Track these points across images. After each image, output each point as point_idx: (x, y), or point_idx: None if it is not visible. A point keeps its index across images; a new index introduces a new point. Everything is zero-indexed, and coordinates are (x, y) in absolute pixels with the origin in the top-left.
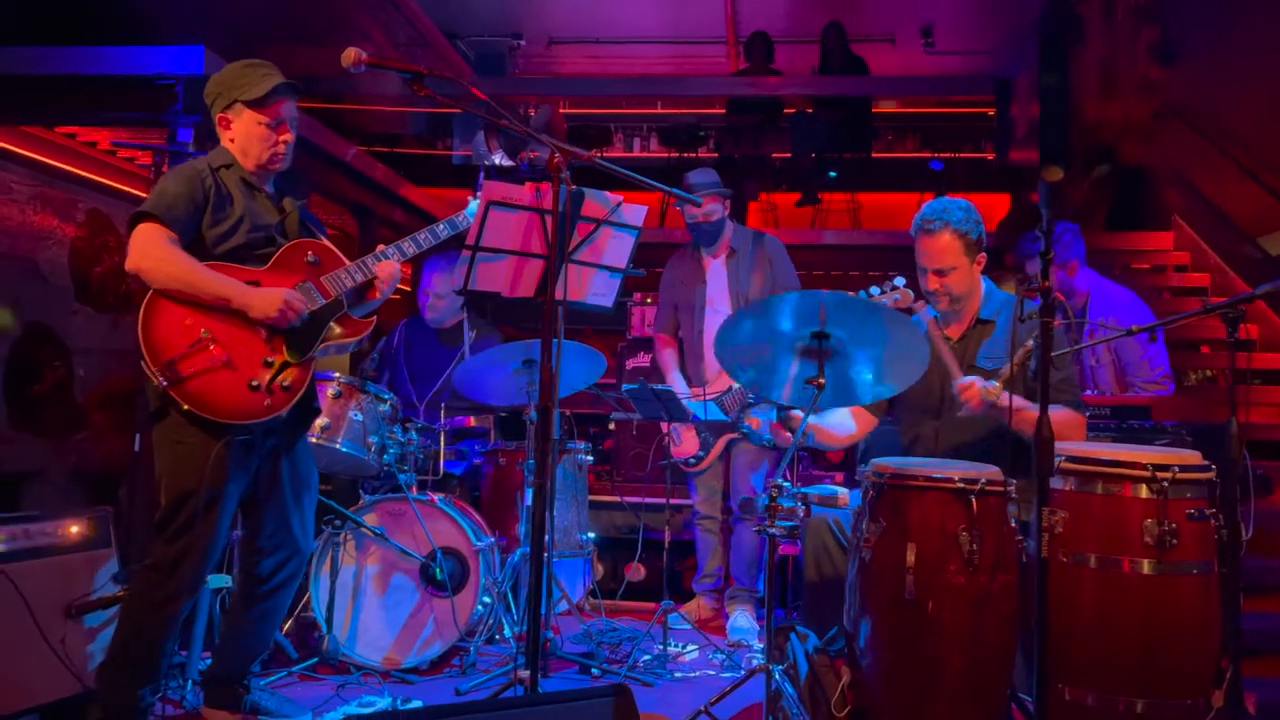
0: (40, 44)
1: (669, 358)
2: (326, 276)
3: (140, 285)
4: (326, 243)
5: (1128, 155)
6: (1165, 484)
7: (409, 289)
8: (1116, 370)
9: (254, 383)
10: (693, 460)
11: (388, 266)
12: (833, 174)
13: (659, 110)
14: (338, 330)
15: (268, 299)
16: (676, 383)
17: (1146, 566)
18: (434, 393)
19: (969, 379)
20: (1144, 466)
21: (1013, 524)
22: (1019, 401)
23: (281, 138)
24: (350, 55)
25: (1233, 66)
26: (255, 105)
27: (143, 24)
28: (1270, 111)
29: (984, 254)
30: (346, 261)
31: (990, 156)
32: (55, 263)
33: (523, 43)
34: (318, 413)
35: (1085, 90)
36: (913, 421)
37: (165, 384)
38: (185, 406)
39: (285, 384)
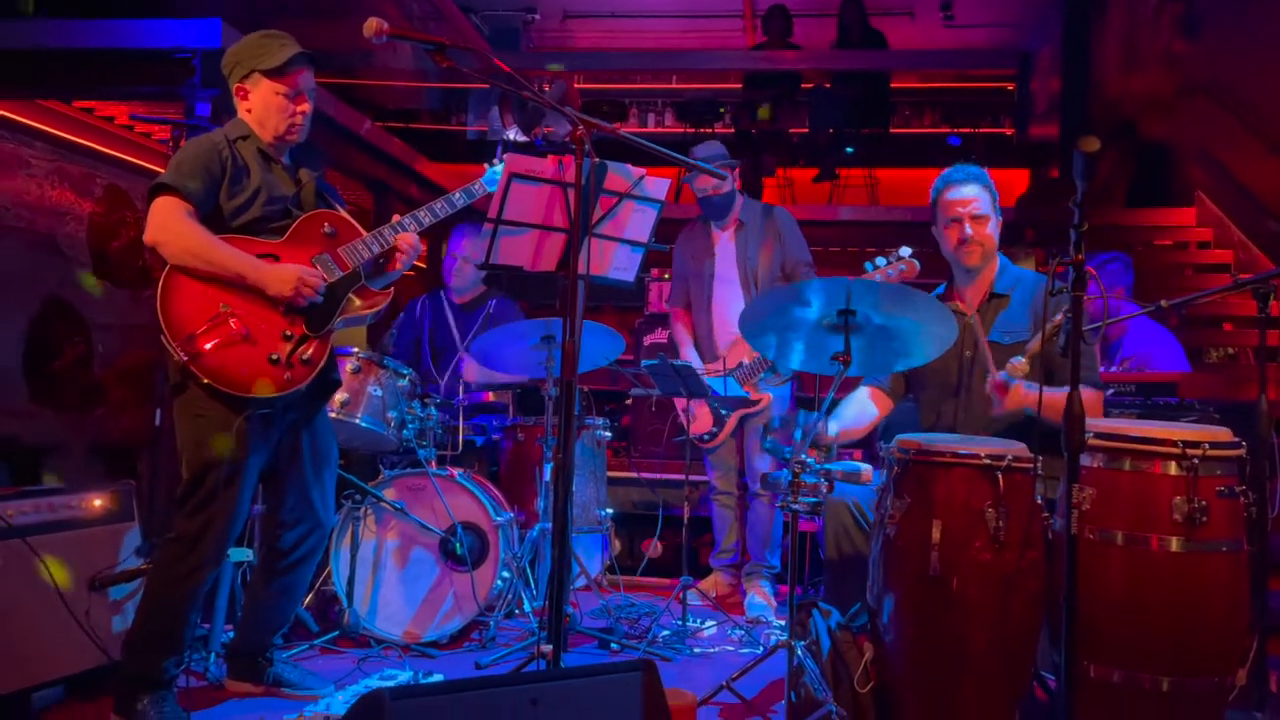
0: (55, 17)
1: (684, 333)
2: (344, 248)
3: (157, 260)
4: (343, 214)
5: (1150, 130)
6: (1195, 461)
7: (424, 265)
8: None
9: (273, 356)
10: (707, 436)
11: (407, 237)
12: (850, 149)
13: (674, 85)
14: (356, 302)
15: (282, 276)
16: (692, 358)
17: (1175, 544)
18: (453, 366)
19: (1002, 376)
20: (1174, 443)
21: (1039, 501)
22: (1036, 388)
23: (299, 108)
24: (372, 25)
25: (1258, 39)
26: (273, 75)
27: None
28: None
29: (1000, 220)
30: (364, 233)
31: (1009, 132)
32: (73, 238)
33: (537, 16)
34: (338, 385)
35: (1107, 64)
36: (933, 402)
37: (185, 359)
38: (205, 380)
39: (305, 357)
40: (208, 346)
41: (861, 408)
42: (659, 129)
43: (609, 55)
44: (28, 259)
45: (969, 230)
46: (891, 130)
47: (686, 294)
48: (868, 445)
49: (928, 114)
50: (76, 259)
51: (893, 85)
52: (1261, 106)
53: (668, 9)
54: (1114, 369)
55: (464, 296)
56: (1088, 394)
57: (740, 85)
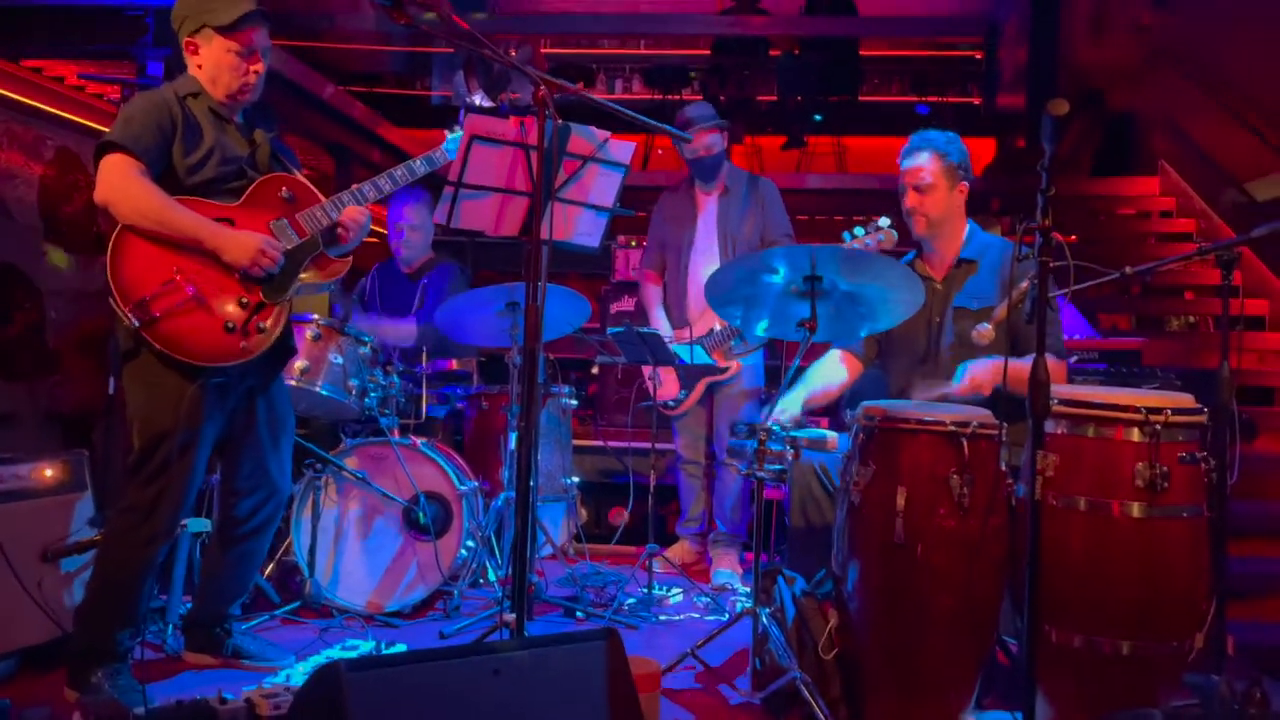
0: None
1: (653, 295)
2: (302, 214)
3: (111, 223)
4: (301, 178)
5: (1116, 100)
6: (1158, 427)
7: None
8: None
9: (229, 324)
10: (672, 403)
11: (352, 211)
12: (818, 117)
13: (642, 51)
14: (313, 270)
15: (242, 244)
16: (660, 322)
17: (1136, 510)
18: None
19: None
20: (1137, 409)
21: (1003, 468)
22: (999, 360)
23: (253, 67)
24: None
25: (1224, 9)
26: (225, 32)
27: None
28: (1262, 55)
29: (965, 185)
30: (322, 198)
31: (977, 101)
32: (23, 201)
33: None
34: (294, 353)
35: (1075, 34)
36: (901, 369)
37: (137, 324)
38: (158, 348)
39: (261, 326)
40: (160, 312)
41: (830, 372)
42: (626, 95)
43: (574, 18)
44: None
45: (911, 202)
46: (860, 99)
47: (660, 258)
48: (833, 413)
49: (896, 82)
50: (26, 223)
51: (862, 54)
52: (1226, 75)
53: None
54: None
55: (412, 266)
56: (1052, 363)
57: (709, 52)
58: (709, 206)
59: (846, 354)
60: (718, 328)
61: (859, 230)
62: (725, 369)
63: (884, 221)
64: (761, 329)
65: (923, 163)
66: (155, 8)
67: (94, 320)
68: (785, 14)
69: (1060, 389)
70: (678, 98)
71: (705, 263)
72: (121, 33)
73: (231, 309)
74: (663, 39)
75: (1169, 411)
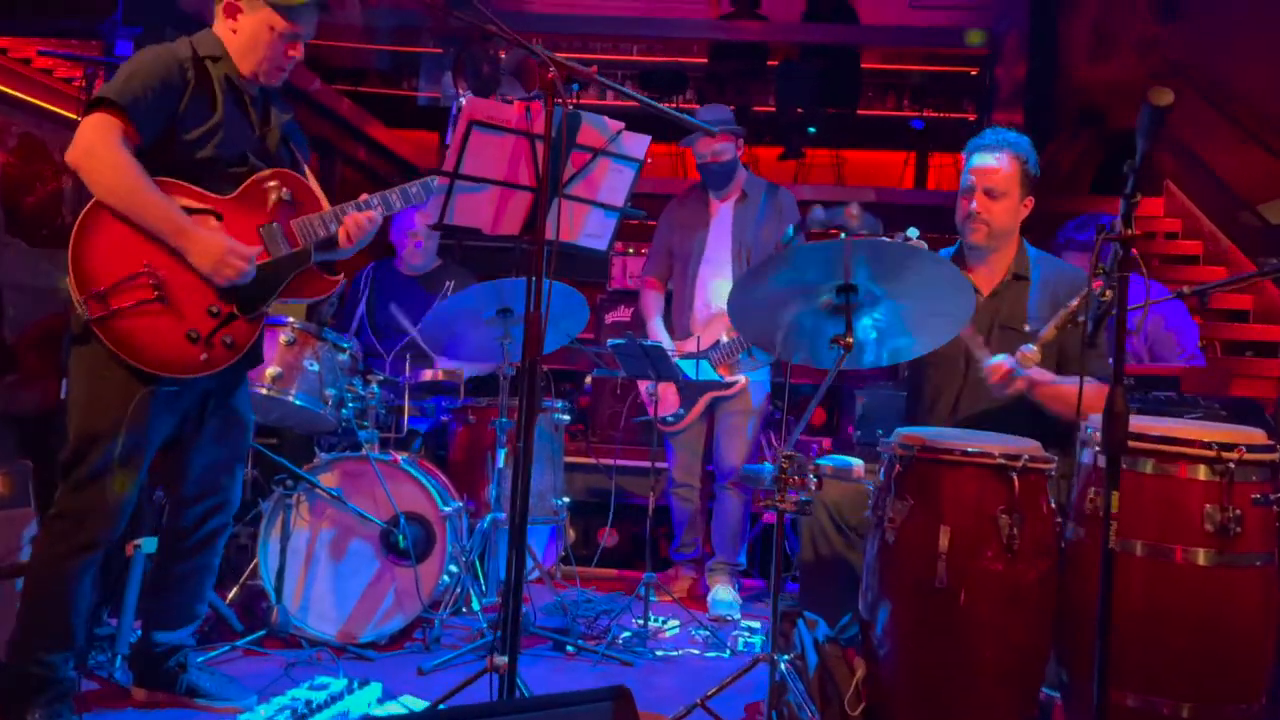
0: None
1: (653, 303)
2: (298, 221)
3: (77, 212)
4: (308, 180)
5: (1119, 118)
6: (1231, 465)
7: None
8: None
9: (193, 332)
10: (670, 419)
11: (356, 217)
12: (812, 129)
13: (636, 57)
14: (299, 286)
15: (206, 247)
16: (658, 332)
17: (1203, 557)
18: (403, 346)
19: (999, 358)
20: (1206, 445)
21: (1053, 505)
22: (1044, 374)
23: (291, 52)
24: None
25: (1231, 23)
26: (281, 11)
27: None
28: (1272, 71)
29: (1032, 199)
30: (325, 205)
31: (972, 118)
32: None
33: None
34: (259, 361)
35: (1076, 50)
36: (934, 391)
37: (90, 318)
38: (109, 346)
39: (227, 340)
40: (119, 307)
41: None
42: (620, 102)
43: (565, 19)
44: None
45: (974, 205)
46: (859, 111)
47: (665, 266)
48: (837, 432)
49: (891, 96)
50: None
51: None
52: (1238, 93)
53: None
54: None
55: (421, 272)
56: (1096, 387)
57: (705, 60)
58: (723, 214)
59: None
60: (725, 339)
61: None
62: (731, 384)
63: (912, 232)
64: (797, 358)
65: (1000, 164)
66: None
67: (56, 317)
68: (784, 20)
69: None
70: (674, 105)
71: (714, 273)
72: (89, 10)
73: (199, 316)
74: (656, 45)
75: (1243, 448)
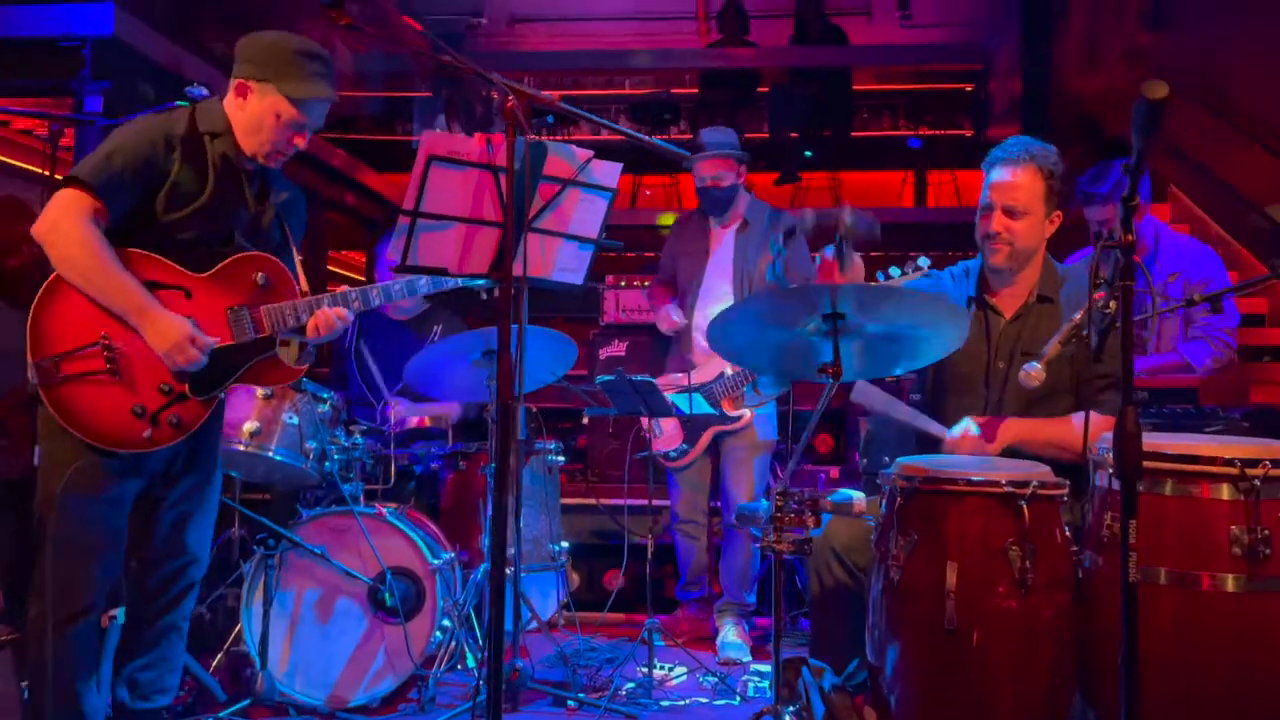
0: None
1: (662, 295)
2: (269, 307)
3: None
4: (286, 267)
5: (1115, 128)
6: (1256, 482)
7: (364, 279)
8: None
9: (138, 408)
10: (674, 454)
11: (325, 314)
12: (808, 154)
13: (627, 91)
14: (260, 372)
15: (164, 331)
16: (672, 314)
17: (1231, 583)
18: (397, 391)
19: (956, 429)
20: (1229, 461)
21: (1067, 534)
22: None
23: (296, 140)
24: None
25: (1233, 27)
26: (292, 102)
27: None
28: (1265, 73)
29: (1060, 214)
30: (300, 294)
31: (969, 133)
32: None
33: (483, 21)
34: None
35: (1069, 62)
36: (955, 406)
37: (37, 382)
38: (50, 411)
39: (174, 419)
40: (67, 375)
41: None
42: (612, 136)
43: (558, 55)
44: None
45: (993, 226)
46: (853, 133)
47: (673, 274)
48: (845, 461)
49: (887, 116)
50: None
51: (853, 89)
52: (1240, 97)
53: (618, 11)
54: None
55: (409, 315)
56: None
57: (696, 90)
58: (724, 242)
59: None
60: (729, 372)
61: (894, 271)
62: (736, 418)
63: (923, 261)
64: (772, 370)
65: (1022, 179)
66: (93, 38)
67: None
68: (773, 45)
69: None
70: (666, 136)
71: (714, 303)
72: (58, 66)
73: (150, 393)
74: (647, 78)
75: (1268, 463)
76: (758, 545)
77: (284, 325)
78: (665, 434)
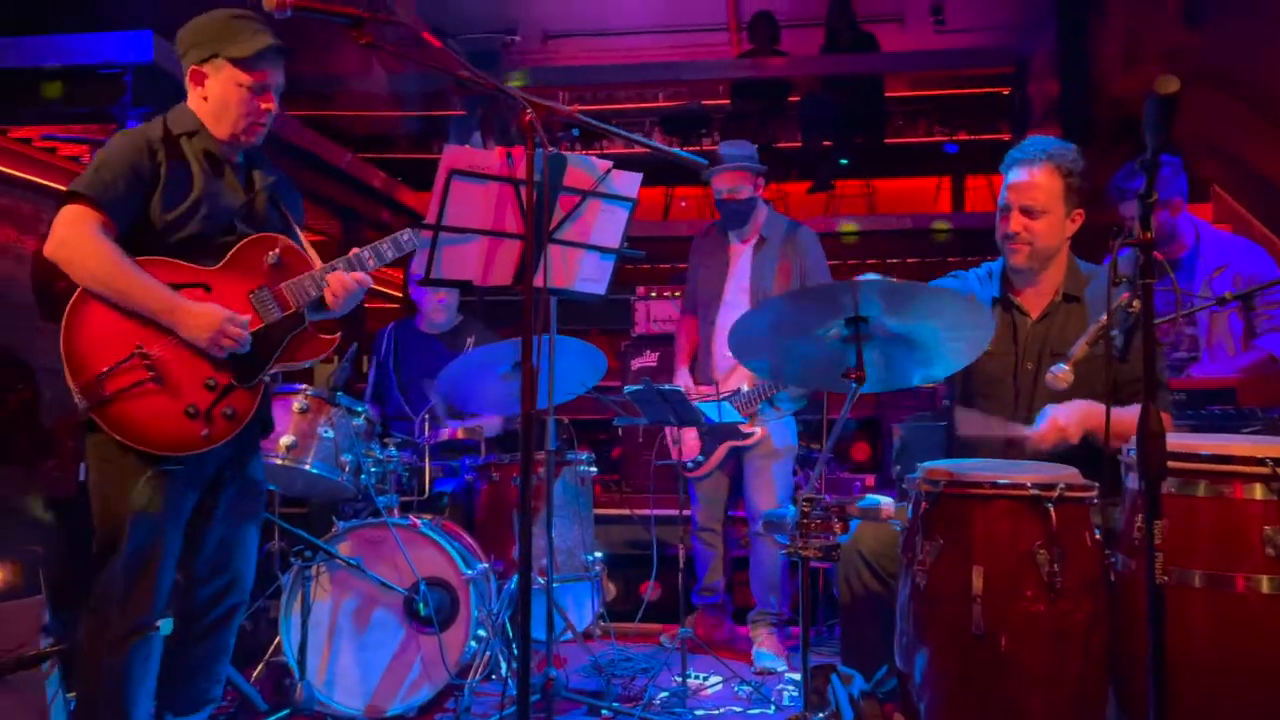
0: None
1: (686, 346)
2: (288, 283)
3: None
4: (299, 239)
5: None
6: None
7: (401, 295)
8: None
9: (191, 409)
10: (691, 464)
11: (343, 277)
12: (844, 161)
13: (660, 104)
14: (295, 348)
15: (200, 322)
16: (683, 378)
17: (1266, 584)
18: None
19: (1042, 419)
20: (1260, 460)
21: (1097, 536)
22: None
23: (264, 105)
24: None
25: (1270, 24)
26: (241, 65)
27: (83, 6)
28: None
29: (1081, 211)
30: (316, 263)
31: (1007, 138)
32: (15, 278)
33: (517, 38)
34: (270, 428)
35: (1107, 63)
36: (985, 411)
37: (86, 405)
38: (109, 432)
39: (227, 412)
40: (113, 392)
41: None
42: (643, 149)
43: (591, 69)
44: None
45: (1011, 226)
46: (886, 140)
47: (694, 295)
48: (881, 469)
49: (922, 122)
50: (20, 300)
51: (886, 95)
52: (1274, 91)
53: (650, 25)
54: (1198, 294)
55: (443, 330)
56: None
57: (728, 101)
58: (743, 257)
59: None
60: (746, 388)
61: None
62: (748, 435)
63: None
64: (791, 393)
65: (1039, 179)
66: (134, 65)
67: None
68: (806, 54)
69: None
70: (697, 148)
71: (734, 319)
72: (99, 93)
73: (197, 391)
74: (681, 89)
75: None
76: (784, 552)
77: (306, 297)
78: (686, 444)
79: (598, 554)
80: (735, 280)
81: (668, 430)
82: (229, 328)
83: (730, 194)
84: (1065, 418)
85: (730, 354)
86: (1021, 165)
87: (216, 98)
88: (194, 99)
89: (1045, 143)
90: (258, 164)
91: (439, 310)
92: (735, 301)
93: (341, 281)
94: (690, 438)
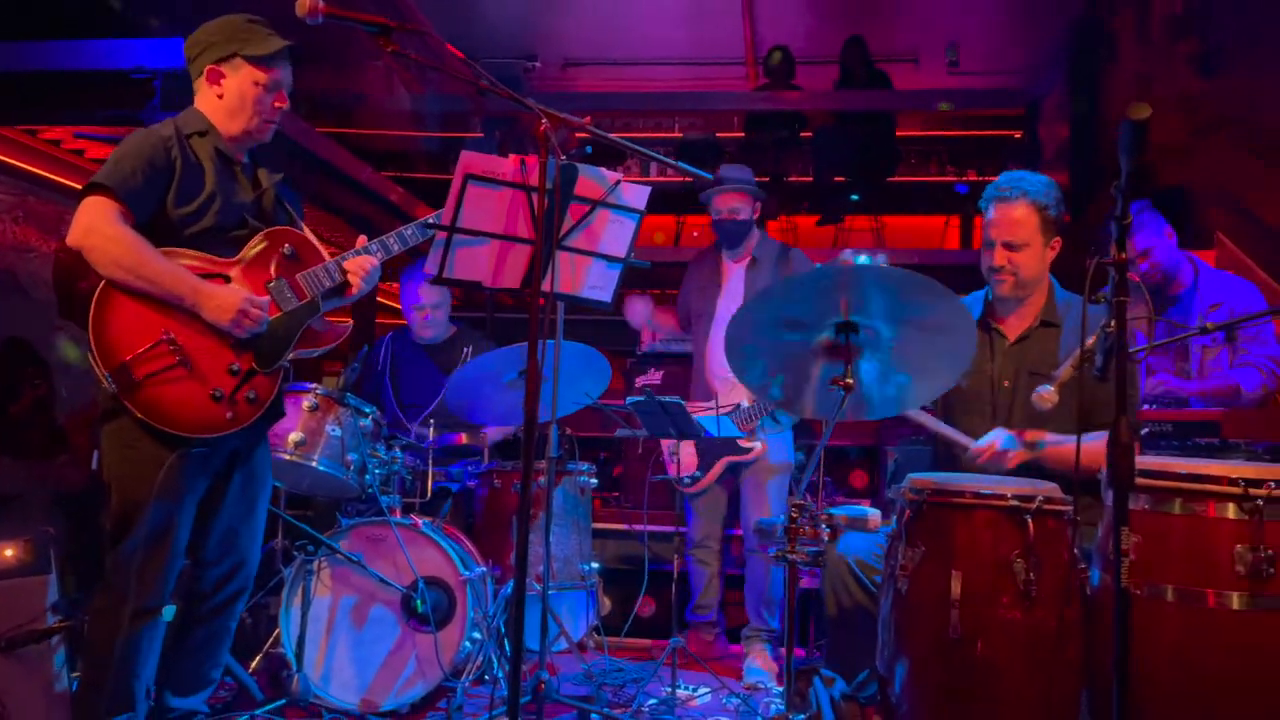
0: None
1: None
2: (303, 274)
3: (94, 277)
4: (306, 234)
5: (1166, 175)
6: (1259, 502)
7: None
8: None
9: (216, 392)
10: (688, 480)
11: (359, 261)
12: (855, 196)
13: (676, 134)
14: (312, 337)
15: (223, 302)
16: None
17: (1236, 600)
18: (425, 418)
19: (985, 440)
20: (1233, 481)
21: (1075, 550)
22: (1052, 436)
23: (277, 104)
24: (305, 4)
25: (1275, 71)
26: (259, 63)
27: (114, 14)
28: None
29: (1059, 240)
30: (326, 256)
31: None
32: (37, 277)
33: (538, 65)
34: (281, 416)
35: (1117, 109)
36: (966, 428)
37: (116, 389)
38: (139, 415)
39: (250, 396)
40: (143, 377)
41: None
42: (661, 178)
43: (608, 96)
44: None
45: (995, 260)
46: (897, 178)
47: (685, 315)
48: (879, 493)
49: (934, 162)
50: (41, 299)
51: (898, 134)
52: None
53: (669, 56)
54: (1195, 326)
55: (436, 342)
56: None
57: (743, 133)
58: (735, 277)
59: None
60: (745, 404)
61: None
62: (746, 450)
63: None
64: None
65: (1017, 215)
66: (163, 71)
67: None
68: (820, 89)
69: (1138, 459)
70: (711, 175)
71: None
72: (129, 97)
73: (221, 376)
74: (697, 120)
75: (1272, 484)
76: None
77: (321, 287)
78: (684, 459)
79: (594, 564)
80: (728, 298)
81: (665, 445)
82: (250, 309)
83: (730, 214)
84: (1005, 444)
85: (726, 373)
86: (1000, 203)
87: (234, 94)
88: (205, 99)
89: (1021, 179)
90: (261, 163)
91: (425, 326)
92: (728, 318)
93: (359, 263)
94: (688, 453)
